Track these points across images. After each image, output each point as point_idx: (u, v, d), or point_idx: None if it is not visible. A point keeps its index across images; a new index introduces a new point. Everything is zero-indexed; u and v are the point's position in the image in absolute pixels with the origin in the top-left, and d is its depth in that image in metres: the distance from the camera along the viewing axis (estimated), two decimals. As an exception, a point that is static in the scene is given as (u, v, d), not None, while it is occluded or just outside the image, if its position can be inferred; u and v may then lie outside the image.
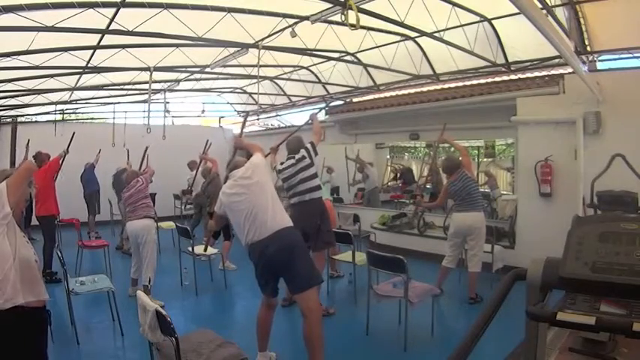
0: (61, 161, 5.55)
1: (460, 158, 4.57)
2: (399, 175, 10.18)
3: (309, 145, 3.99)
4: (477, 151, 8.75)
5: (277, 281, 2.87)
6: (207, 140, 6.92)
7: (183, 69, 6.91)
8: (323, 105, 9.05)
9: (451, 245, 4.52)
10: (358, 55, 7.02)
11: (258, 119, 11.41)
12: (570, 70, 5.00)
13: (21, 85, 6.98)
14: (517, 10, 2.93)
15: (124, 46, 5.74)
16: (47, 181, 5.20)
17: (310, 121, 4.47)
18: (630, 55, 5.16)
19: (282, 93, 9.69)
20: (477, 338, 0.88)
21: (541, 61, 5.78)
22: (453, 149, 7.58)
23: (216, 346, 2.29)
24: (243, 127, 4.20)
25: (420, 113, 7.20)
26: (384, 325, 3.80)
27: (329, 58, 6.91)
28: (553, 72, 5.72)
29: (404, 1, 4.53)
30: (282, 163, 4.12)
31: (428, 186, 8.98)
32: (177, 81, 7.92)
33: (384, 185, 9.94)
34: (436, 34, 5.35)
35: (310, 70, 8.22)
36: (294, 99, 9.89)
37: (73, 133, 5.99)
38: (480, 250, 4.36)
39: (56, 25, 4.24)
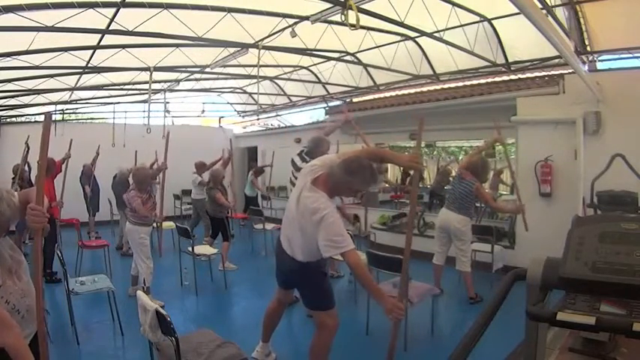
0: (63, 165, 5.56)
1: (482, 188, 4.38)
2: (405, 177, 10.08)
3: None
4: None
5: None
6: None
7: (183, 69, 6.91)
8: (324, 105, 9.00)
9: (438, 240, 4.57)
10: (358, 55, 7.02)
11: (258, 119, 11.43)
12: (570, 70, 5.00)
13: (21, 85, 6.98)
14: (517, 10, 2.93)
15: (124, 46, 5.74)
16: (48, 186, 5.21)
17: None
18: (630, 55, 5.16)
19: (282, 93, 9.70)
20: (477, 338, 0.88)
21: (541, 61, 5.78)
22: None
23: (216, 346, 2.29)
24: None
25: (420, 113, 7.19)
26: (384, 325, 3.78)
27: (329, 58, 6.91)
28: (553, 72, 5.71)
29: (404, 1, 4.53)
30: (301, 158, 4.08)
31: (428, 186, 8.95)
32: (177, 81, 7.93)
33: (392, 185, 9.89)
34: (436, 34, 5.35)
35: (310, 70, 8.22)
36: (294, 99, 9.89)
37: (71, 140, 5.96)
38: (467, 252, 4.36)
39: (56, 25, 4.24)
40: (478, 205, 5.33)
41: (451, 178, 7.61)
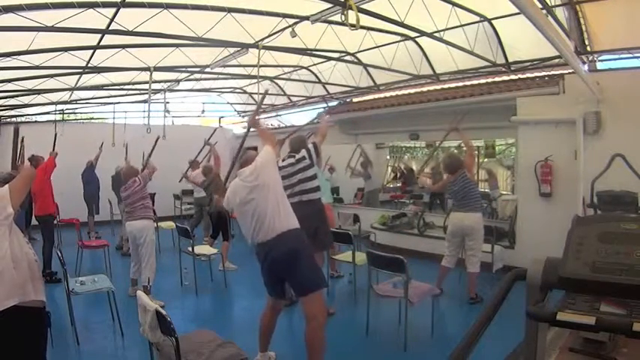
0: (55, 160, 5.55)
1: (463, 157, 4.52)
2: (399, 175, 10.17)
3: (311, 146, 3.85)
4: (476, 151, 8.72)
5: (283, 284, 2.83)
6: (216, 129, 7.01)
7: (183, 69, 6.91)
8: (324, 105, 9.10)
9: (449, 245, 4.53)
10: (358, 55, 7.02)
11: (258, 119, 11.41)
12: (570, 70, 5.00)
13: (21, 85, 6.98)
14: (517, 10, 2.93)
15: (124, 46, 5.73)
16: (44, 181, 5.22)
17: (317, 120, 4.41)
18: (630, 55, 5.15)
19: (282, 93, 9.70)
20: (477, 338, 0.88)
21: (541, 61, 5.78)
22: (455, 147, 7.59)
23: (216, 346, 2.29)
24: (259, 105, 3.93)
25: (420, 113, 7.19)
26: (384, 325, 3.80)
27: (329, 58, 6.91)
28: (553, 72, 5.71)
29: (404, 1, 4.53)
30: (283, 160, 4.10)
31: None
32: (177, 81, 7.93)
33: (384, 185, 9.93)
34: (436, 34, 5.35)
35: (310, 70, 8.22)
36: (294, 99, 9.89)
37: (55, 134, 6.02)
38: (478, 251, 4.36)
39: (56, 25, 4.24)
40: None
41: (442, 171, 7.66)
